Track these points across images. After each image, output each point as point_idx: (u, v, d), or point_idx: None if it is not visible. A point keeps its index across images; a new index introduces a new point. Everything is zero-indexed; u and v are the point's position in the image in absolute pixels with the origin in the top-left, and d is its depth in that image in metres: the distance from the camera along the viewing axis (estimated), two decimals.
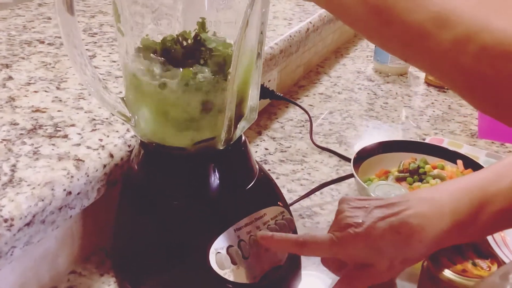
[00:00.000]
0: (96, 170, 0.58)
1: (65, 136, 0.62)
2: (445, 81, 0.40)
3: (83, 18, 1.04)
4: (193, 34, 0.52)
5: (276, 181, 0.85)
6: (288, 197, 0.81)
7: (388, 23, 0.39)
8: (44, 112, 0.67)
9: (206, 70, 0.50)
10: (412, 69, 1.36)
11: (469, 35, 0.36)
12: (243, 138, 0.60)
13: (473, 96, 0.39)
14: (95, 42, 0.92)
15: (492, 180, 0.53)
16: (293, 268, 0.61)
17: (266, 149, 0.96)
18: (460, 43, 0.36)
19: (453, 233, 0.50)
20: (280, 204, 0.62)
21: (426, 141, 0.98)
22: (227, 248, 0.54)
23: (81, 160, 0.58)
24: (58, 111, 0.68)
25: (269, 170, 0.89)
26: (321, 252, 0.54)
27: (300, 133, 1.03)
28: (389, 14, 0.39)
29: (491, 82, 0.36)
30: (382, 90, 1.25)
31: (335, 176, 0.88)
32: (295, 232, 0.61)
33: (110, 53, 0.87)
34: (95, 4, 1.14)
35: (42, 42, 0.90)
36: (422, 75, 1.32)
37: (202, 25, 0.52)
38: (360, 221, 0.50)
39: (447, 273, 0.53)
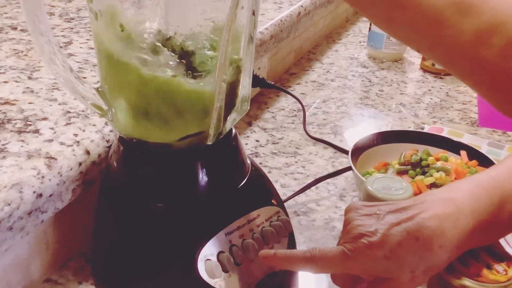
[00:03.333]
0: (71, 169, 0.52)
1: (36, 131, 0.56)
2: (463, 77, 0.35)
3: (59, 3, 0.97)
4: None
5: (268, 175, 0.80)
6: (282, 193, 0.76)
7: (401, 7, 0.34)
8: (13, 104, 0.61)
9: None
10: (407, 55, 1.30)
11: (495, 26, 0.31)
12: (234, 131, 0.54)
13: (495, 95, 0.34)
14: (72, 28, 0.86)
15: (506, 177, 0.49)
16: (289, 274, 0.55)
17: (257, 140, 0.91)
18: (484, 34, 0.31)
19: (476, 235, 0.45)
20: (275, 202, 0.56)
21: (425, 130, 0.94)
22: (218, 255, 0.49)
23: (53, 158, 0.52)
24: (29, 103, 0.62)
25: (260, 163, 0.84)
26: (333, 268, 0.48)
27: (292, 123, 0.97)
28: None
29: None
30: (376, 77, 1.19)
31: (331, 169, 0.83)
32: (292, 234, 0.55)
33: (87, 39, 0.81)
34: None
35: (15, 29, 0.84)
36: (417, 60, 1.27)
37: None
38: (373, 229, 0.45)
39: (461, 278, 0.48)
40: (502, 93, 0.33)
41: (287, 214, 0.57)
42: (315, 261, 0.46)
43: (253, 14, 0.47)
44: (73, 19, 0.90)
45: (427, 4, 0.32)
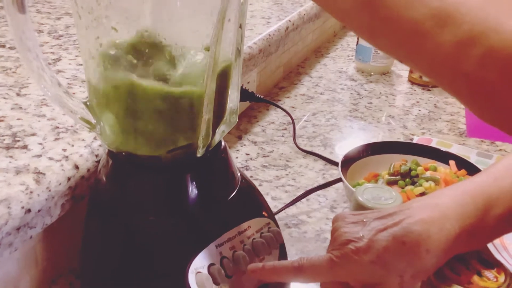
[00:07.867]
0: (59, 184, 0.52)
1: (25, 147, 0.56)
2: (444, 86, 0.36)
3: (48, 20, 0.98)
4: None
5: (259, 188, 0.80)
6: (273, 205, 0.76)
7: (381, 19, 0.34)
8: (1, 121, 0.61)
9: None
10: (395, 68, 1.32)
11: (474, 36, 0.31)
12: (223, 143, 0.54)
13: (476, 104, 0.35)
14: (61, 45, 0.86)
15: (491, 183, 0.50)
16: (281, 286, 0.55)
17: (247, 154, 0.91)
18: (463, 45, 0.32)
19: (462, 239, 0.45)
20: (265, 214, 0.56)
21: (414, 141, 0.94)
22: (208, 267, 0.49)
23: (41, 173, 0.51)
24: (18, 119, 0.61)
25: (251, 176, 0.84)
26: (321, 276, 0.48)
27: (282, 136, 0.98)
28: (382, 9, 0.34)
29: (497, 90, 0.32)
30: (365, 90, 1.20)
31: (321, 181, 0.83)
32: (283, 245, 0.55)
33: (76, 56, 0.81)
34: (62, 6, 1.08)
35: (3, 46, 0.84)
36: (405, 73, 1.28)
37: None
38: (360, 235, 0.45)
39: (452, 286, 0.49)
40: (482, 101, 0.33)
41: (277, 226, 0.56)
42: (303, 270, 0.46)
43: (240, 27, 0.48)
44: (62, 36, 0.90)
45: (407, 16, 0.33)
